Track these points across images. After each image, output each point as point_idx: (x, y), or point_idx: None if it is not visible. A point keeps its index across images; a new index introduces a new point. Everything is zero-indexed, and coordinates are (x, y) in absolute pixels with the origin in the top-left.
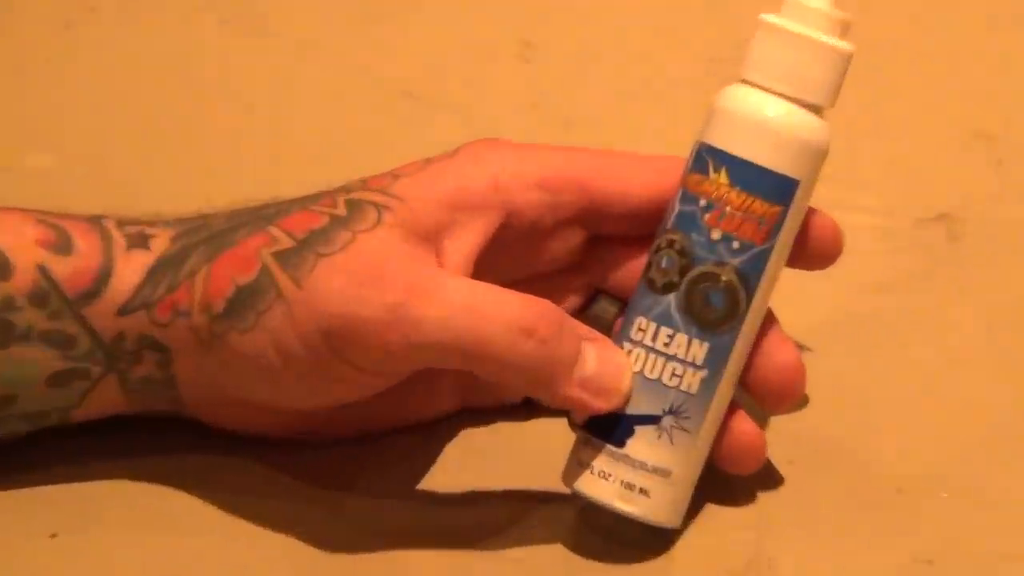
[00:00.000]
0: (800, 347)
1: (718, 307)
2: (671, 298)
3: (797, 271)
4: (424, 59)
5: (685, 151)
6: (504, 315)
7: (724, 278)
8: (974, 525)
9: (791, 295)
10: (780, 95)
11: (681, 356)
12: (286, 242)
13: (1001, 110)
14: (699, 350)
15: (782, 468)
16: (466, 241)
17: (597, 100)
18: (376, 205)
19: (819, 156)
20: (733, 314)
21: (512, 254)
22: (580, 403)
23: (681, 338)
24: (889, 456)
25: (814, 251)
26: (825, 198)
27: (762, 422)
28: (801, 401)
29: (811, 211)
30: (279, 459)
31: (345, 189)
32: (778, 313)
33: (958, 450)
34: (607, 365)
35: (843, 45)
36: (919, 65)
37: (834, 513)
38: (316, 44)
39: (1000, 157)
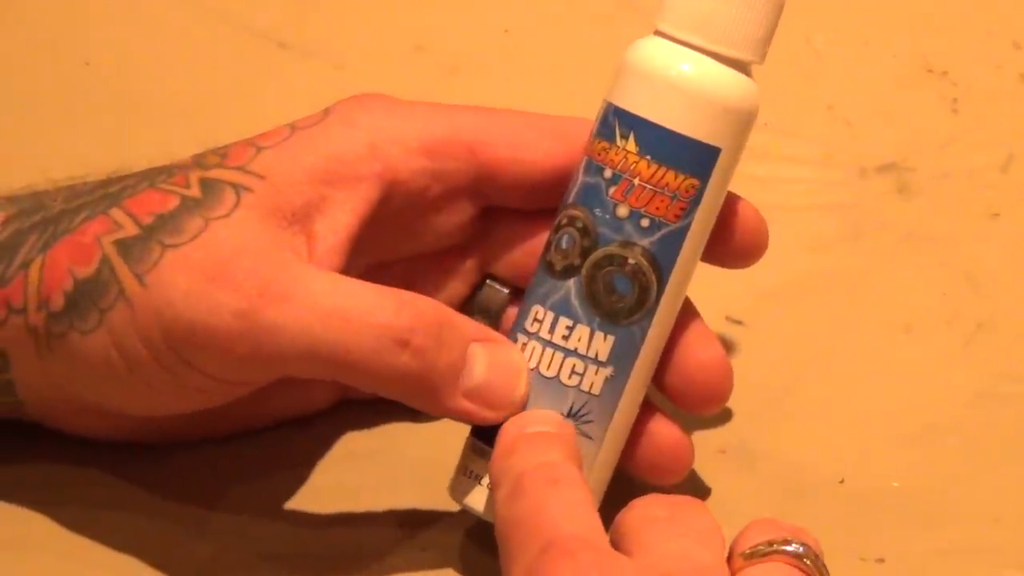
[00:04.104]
0: (724, 339)
1: (624, 295)
2: (571, 284)
3: None
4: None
5: (594, 106)
6: (373, 323)
7: (631, 261)
8: (924, 519)
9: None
10: (698, 49)
11: (582, 351)
12: (130, 228)
13: (954, 42)
14: (603, 344)
15: (709, 465)
16: (341, 221)
17: (489, 41)
18: (235, 186)
19: (745, 121)
20: (642, 303)
21: (392, 231)
22: (467, 415)
23: (582, 330)
24: (828, 444)
25: (733, 247)
26: (754, 147)
27: (685, 425)
28: (725, 401)
29: (732, 198)
30: (134, 469)
31: (201, 164)
32: (699, 283)
33: (909, 435)
34: (498, 371)
35: None
36: None
37: (768, 509)
38: None
39: (955, 96)
